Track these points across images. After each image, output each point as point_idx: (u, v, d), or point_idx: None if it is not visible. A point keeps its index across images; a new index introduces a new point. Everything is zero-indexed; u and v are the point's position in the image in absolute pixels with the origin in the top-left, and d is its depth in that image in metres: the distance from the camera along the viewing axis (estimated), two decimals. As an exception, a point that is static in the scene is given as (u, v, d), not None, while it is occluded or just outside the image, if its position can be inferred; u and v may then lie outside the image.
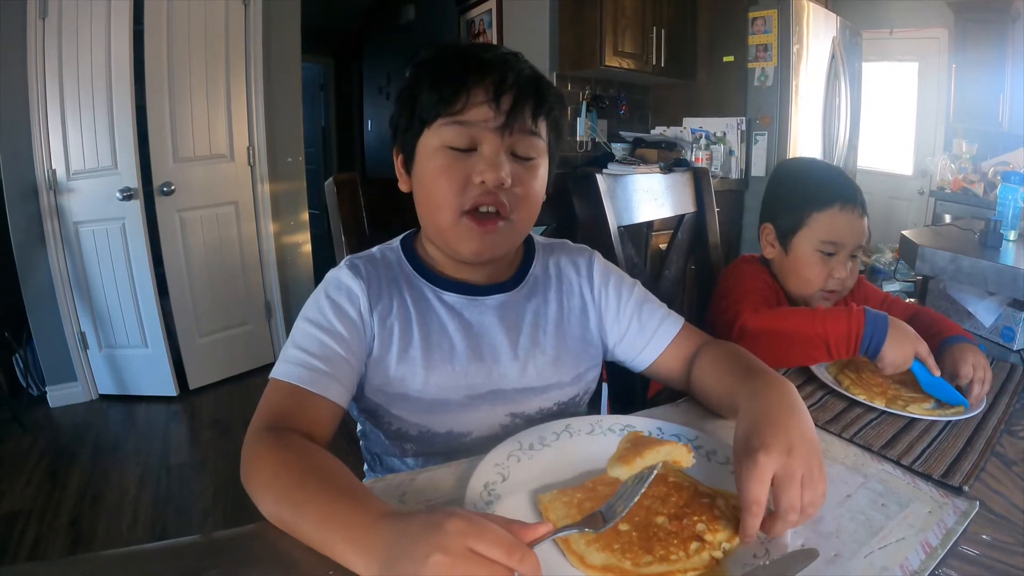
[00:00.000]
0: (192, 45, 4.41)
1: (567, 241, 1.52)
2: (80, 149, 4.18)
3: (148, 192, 4.31)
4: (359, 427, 1.41)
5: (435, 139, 1.17)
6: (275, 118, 4.98)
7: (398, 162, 1.30)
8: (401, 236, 1.38)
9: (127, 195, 4.16)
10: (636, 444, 0.97)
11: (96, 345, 4.54)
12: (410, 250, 1.34)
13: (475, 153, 1.16)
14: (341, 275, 1.24)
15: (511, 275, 1.36)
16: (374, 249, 1.35)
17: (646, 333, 1.39)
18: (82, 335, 4.48)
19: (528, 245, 1.43)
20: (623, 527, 0.86)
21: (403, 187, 1.29)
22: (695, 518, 0.87)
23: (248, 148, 4.85)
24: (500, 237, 1.22)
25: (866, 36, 6.53)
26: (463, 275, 1.31)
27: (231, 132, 4.75)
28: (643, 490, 0.90)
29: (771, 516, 0.85)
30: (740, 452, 0.92)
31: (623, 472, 0.93)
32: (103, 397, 4.63)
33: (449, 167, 1.16)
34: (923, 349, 1.40)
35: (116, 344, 4.55)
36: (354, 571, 0.77)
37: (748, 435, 0.93)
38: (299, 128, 5.28)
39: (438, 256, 1.31)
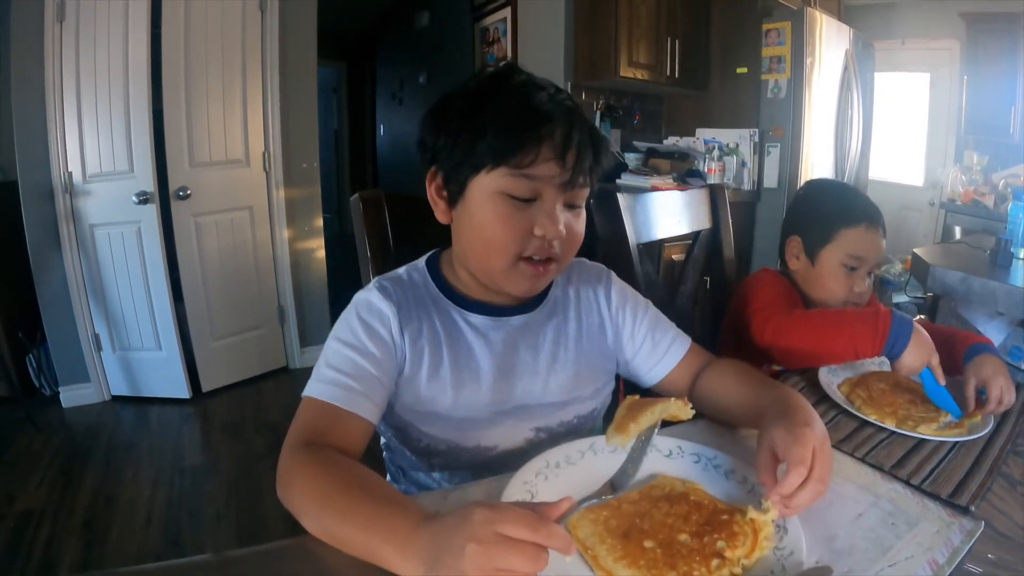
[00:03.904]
0: (209, 49, 4.43)
1: (584, 260, 1.55)
2: (96, 152, 4.20)
3: (164, 196, 4.33)
4: (383, 440, 1.44)
5: (493, 184, 1.17)
6: (290, 123, 4.99)
7: (433, 188, 1.29)
8: (426, 257, 1.41)
9: (143, 199, 4.18)
10: (631, 409, 0.99)
11: (110, 347, 4.55)
12: (435, 271, 1.37)
13: (533, 204, 1.18)
14: (372, 297, 1.26)
15: (532, 296, 1.39)
16: (400, 270, 1.38)
17: (659, 351, 1.44)
18: (96, 337, 4.50)
19: None
20: (648, 544, 0.88)
21: (442, 218, 1.30)
22: (715, 535, 0.90)
23: (263, 153, 4.87)
24: (549, 278, 1.27)
25: (878, 47, 6.52)
26: (488, 298, 1.34)
27: (247, 137, 4.76)
28: (648, 451, 0.94)
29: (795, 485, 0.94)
30: (781, 430, 1.00)
31: (620, 440, 0.96)
32: (116, 398, 4.64)
33: (509, 217, 1.17)
34: (935, 360, 1.47)
35: (130, 346, 4.56)
36: (400, 574, 0.80)
37: (788, 419, 1.04)
38: (315, 134, 5.28)
39: (466, 279, 1.34)
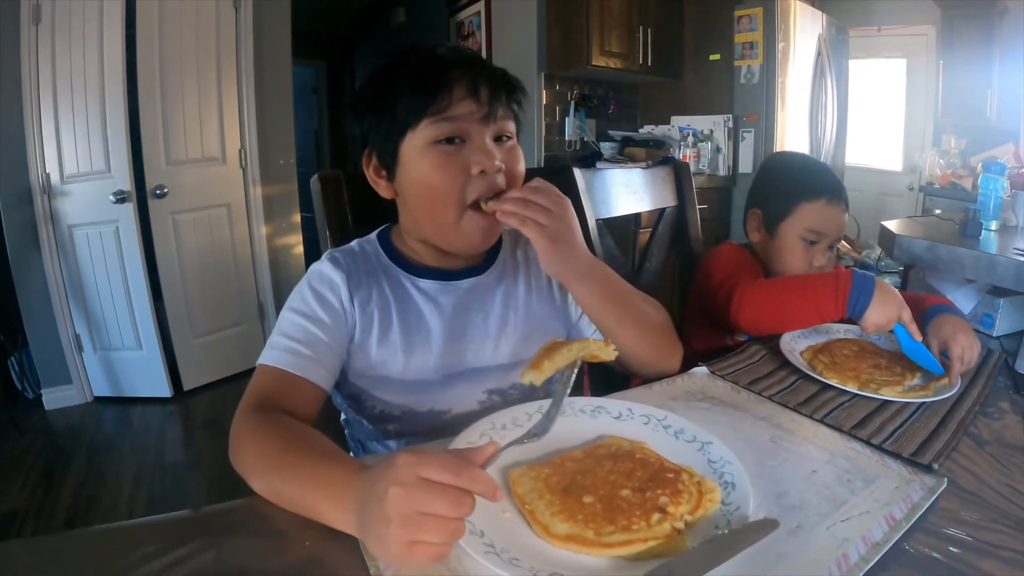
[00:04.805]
0: (184, 48, 4.43)
1: None
2: (74, 153, 4.20)
3: (141, 195, 4.33)
4: (343, 416, 1.46)
5: (421, 139, 1.20)
6: (267, 120, 5.00)
7: (371, 171, 1.33)
8: (377, 231, 1.44)
9: (120, 198, 4.18)
10: (548, 348, 0.99)
11: (91, 347, 4.55)
12: (386, 243, 1.39)
13: (464, 146, 1.20)
14: (323, 267, 1.30)
15: (482, 260, 1.42)
16: (352, 243, 1.41)
17: None
18: (77, 338, 4.50)
19: None
20: (587, 499, 0.88)
21: (385, 194, 1.33)
22: (659, 491, 0.89)
23: (240, 150, 4.87)
24: (499, 226, 1.28)
25: (854, 34, 6.58)
26: (438, 263, 1.36)
27: (223, 134, 4.76)
28: (568, 391, 0.96)
29: None
30: None
31: (533, 376, 0.95)
32: (98, 399, 4.64)
33: (444, 163, 1.19)
34: (906, 315, 1.44)
35: (111, 346, 4.56)
36: (338, 528, 0.82)
37: None
38: (291, 130, 5.29)
39: (416, 247, 1.36)
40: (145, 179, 4.35)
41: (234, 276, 5.01)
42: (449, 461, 0.74)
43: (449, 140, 1.20)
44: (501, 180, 1.22)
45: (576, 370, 0.98)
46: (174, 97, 4.43)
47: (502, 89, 1.24)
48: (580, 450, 1.03)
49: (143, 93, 4.26)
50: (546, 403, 1.09)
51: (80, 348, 4.53)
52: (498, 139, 1.25)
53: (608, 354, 1.01)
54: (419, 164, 1.21)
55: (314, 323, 1.21)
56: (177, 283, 4.62)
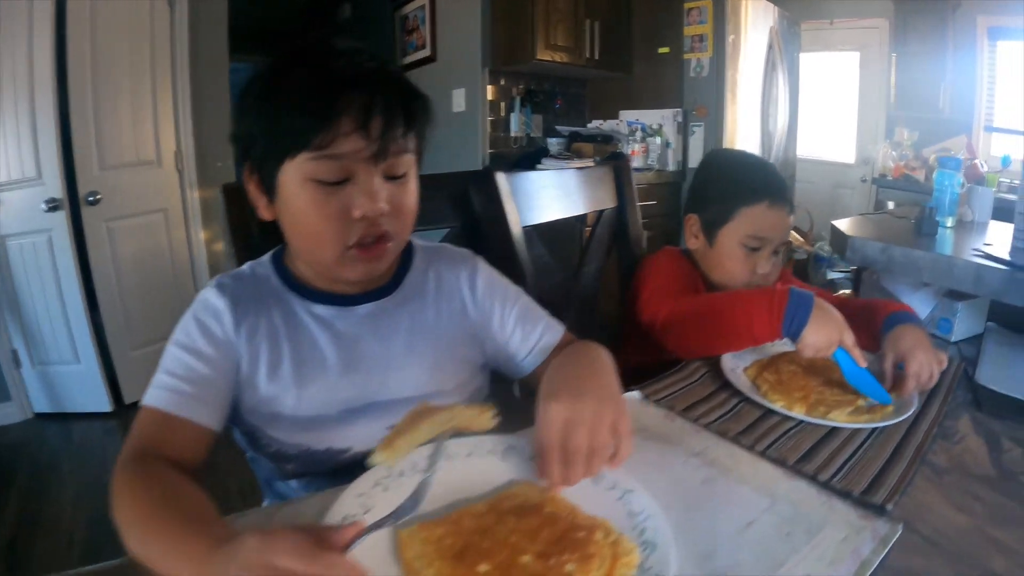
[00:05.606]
0: (116, 48, 4.30)
1: (447, 245, 1.48)
2: (4, 160, 4.05)
3: (74, 202, 4.20)
4: (248, 453, 1.35)
5: (299, 172, 1.07)
6: (203, 121, 4.88)
7: (251, 187, 1.19)
8: (273, 251, 1.32)
9: (52, 206, 4.04)
10: (412, 419, 0.91)
11: (29, 362, 4.41)
12: (280, 264, 1.28)
13: (348, 183, 1.08)
14: (208, 295, 1.19)
15: (385, 282, 1.31)
16: (244, 266, 1.30)
17: (529, 342, 1.37)
18: (14, 352, 4.36)
19: (406, 250, 1.37)
20: (482, 568, 0.79)
21: (265, 215, 1.19)
22: (565, 556, 0.80)
23: (175, 153, 4.75)
24: (387, 258, 1.19)
25: (807, 27, 6.67)
26: (334, 287, 1.25)
27: (158, 136, 4.63)
28: (438, 465, 0.91)
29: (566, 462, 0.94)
30: (538, 407, 1.00)
31: (384, 458, 0.87)
32: (38, 416, 4.50)
33: (323, 203, 1.08)
34: (849, 339, 1.34)
35: (49, 361, 4.43)
36: None
37: (545, 391, 1.02)
38: (228, 131, 5.12)
39: (308, 271, 1.25)
40: (78, 185, 4.21)
41: (173, 284, 4.88)
42: (302, 547, 0.66)
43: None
44: (385, 224, 1.12)
45: (447, 440, 0.89)
46: (107, 99, 4.29)
47: (399, 117, 1.10)
48: (483, 503, 0.92)
49: (74, 95, 4.12)
50: (453, 444, 1.00)
51: (17, 363, 4.38)
52: (394, 176, 1.13)
53: (483, 423, 0.95)
54: (297, 199, 1.09)
55: (196, 357, 1.11)
56: (114, 293, 4.49)
